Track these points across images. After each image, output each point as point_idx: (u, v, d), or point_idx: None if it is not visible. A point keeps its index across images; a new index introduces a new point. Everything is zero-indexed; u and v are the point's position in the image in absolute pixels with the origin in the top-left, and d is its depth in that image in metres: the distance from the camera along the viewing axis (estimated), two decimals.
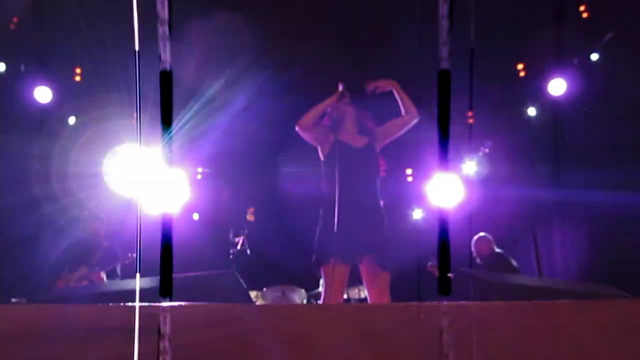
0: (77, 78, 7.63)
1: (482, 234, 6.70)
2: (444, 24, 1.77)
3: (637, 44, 8.04)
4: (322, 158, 4.28)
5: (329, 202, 3.92)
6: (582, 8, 8.30)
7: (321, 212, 4.09)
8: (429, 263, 6.47)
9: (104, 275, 5.84)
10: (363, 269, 4.00)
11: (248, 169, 8.68)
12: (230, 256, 7.02)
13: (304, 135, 4.32)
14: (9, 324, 1.61)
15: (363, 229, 3.89)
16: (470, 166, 8.62)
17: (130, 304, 1.60)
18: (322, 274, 4.03)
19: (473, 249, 6.57)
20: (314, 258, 3.99)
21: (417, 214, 8.69)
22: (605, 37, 7.89)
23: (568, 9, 8.35)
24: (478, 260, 6.57)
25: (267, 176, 8.90)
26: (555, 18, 8.26)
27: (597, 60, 7.93)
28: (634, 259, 6.03)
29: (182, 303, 1.53)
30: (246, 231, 7.28)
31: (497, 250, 6.61)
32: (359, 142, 4.26)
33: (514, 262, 6.42)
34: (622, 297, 2.45)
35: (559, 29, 8.48)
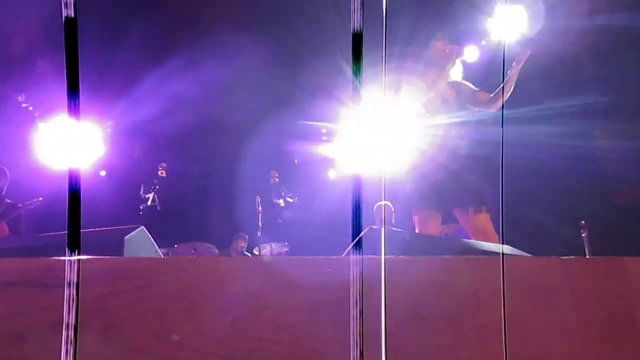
0: None
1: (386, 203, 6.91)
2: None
3: None
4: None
5: None
6: None
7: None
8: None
9: (5, 227, 5.58)
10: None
11: (162, 123, 8.47)
12: (141, 212, 6.88)
13: None
14: None
15: None
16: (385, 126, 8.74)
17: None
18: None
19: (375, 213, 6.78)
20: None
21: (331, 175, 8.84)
22: None
23: None
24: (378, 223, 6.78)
25: (182, 131, 8.73)
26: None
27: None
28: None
29: (88, 256, 1.49)
30: (157, 187, 7.14)
31: None
32: None
33: None
34: (522, 256, 2.59)
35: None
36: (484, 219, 3.92)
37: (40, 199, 5.92)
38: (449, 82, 4.07)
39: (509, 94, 3.98)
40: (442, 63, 3.98)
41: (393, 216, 6.80)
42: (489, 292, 1.52)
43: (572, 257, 1.57)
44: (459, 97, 4.04)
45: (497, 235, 3.87)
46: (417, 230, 4.06)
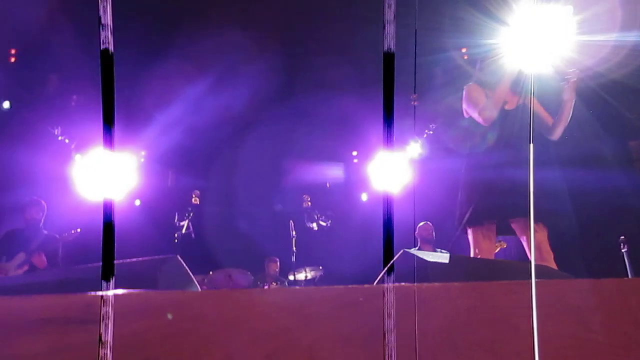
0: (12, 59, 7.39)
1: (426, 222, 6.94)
2: (390, 2, 1.77)
3: None
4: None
5: None
6: None
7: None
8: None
9: (44, 258, 5.68)
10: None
11: (192, 151, 8.58)
12: (176, 240, 6.94)
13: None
14: None
15: None
16: (415, 148, 8.76)
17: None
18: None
19: (417, 234, 6.79)
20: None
21: (364, 197, 8.84)
22: None
23: None
24: (419, 242, 6.79)
25: (212, 159, 8.83)
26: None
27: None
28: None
29: (124, 290, 1.51)
30: (192, 214, 7.20)
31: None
32: None
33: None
34: (554, 275, 2.55)
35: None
36: (540, 234, 3.81)
37: (79, 230, 6.03)
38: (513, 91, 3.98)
39: (568, 121, 3.91)
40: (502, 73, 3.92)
41: (434, 234, 6.78)
42: (524, 317, 1.50)
43: (606, 278, 1.54)
44: (525, 108, 3.96)
45: (551, 254, 3.78)
46: (471, 244, 3.98)
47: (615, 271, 6.07)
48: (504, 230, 3.96)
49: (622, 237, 6.19)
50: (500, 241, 5.35)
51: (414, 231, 6.70)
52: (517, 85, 3.94)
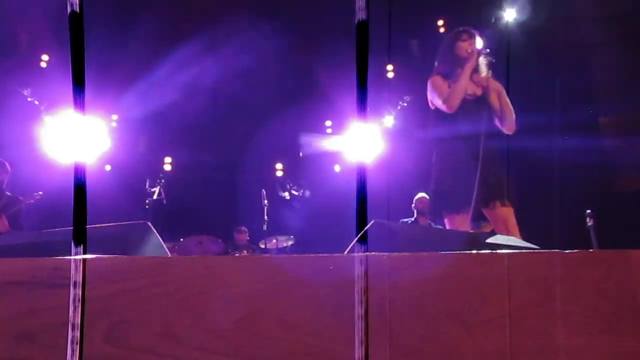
0: None
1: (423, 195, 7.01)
2: None
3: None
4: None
5: None
6: None
7: None
8: None
9: (5, 221, 5.60)
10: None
11: (165, 118, 8.48)
12: (147, 206, 6.89)
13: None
14: None
15: None
16: (389, 119, 8.78)
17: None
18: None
19: (414, 206, 6.90)
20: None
21: (337, 167, 8.86)
22: None
23: None
24: (415, 214, 6.88)
25: (187, 124, 8.74)
26: None
27: (515, 19, 8.15)
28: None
29: (94, 255, 1.50)
30: (163, 181, 7.14)
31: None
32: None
33: None
34: (523, 247, 2.60)
35: None
36: (506, 212, 3.95)
37: (40, 193, 5.93)
38: (479, 79, 4.10)
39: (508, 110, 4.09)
40: (464, 62, 4.03)
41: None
42: (493, 287, 1.52)
43: (575, 250, 1.57)
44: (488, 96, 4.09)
45: (517, 228, 3.90)
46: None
47: (581, 244, 6.22)
48: (479, 216, 4.06)
49: (588, 211, 6.33)
50: (484, 224, 5.45)
51: (387, 201, 6.74)
52: (477, 74, 4.07)
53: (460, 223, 3.96)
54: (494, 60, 4.05)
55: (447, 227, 4.07)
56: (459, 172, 3.97)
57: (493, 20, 8.18)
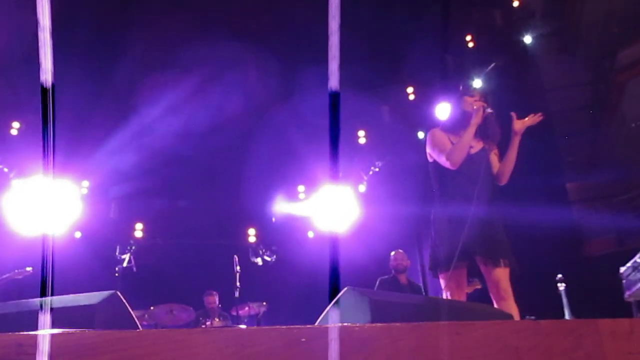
0: None
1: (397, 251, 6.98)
2: (334, 39, 1.80)
3: (516, 75, 8.64)
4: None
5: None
6: (468, 38, 8.84)
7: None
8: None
9: None
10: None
11: (138, 183, 8.44)
12: (117, 274, 6.75)
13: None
14: None
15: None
16: (361, 185, 8.86)
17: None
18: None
19: (393, 262, 6.84)
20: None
21: (310, 234, 8.84)
22: (489, 67, 8.44)
23: (455, 38, 8.85)
24: (393, 272, 6.82)
25: (157, 191, 8.70)
26: (442, 46, 8.73)
27: (480, 87, 8.44)
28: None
29: (59, 330, 1.46)
30: (133, 248, 7.04)
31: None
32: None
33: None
34: (498, 314, 2.59)
35: (446, 56, 8.97)
36: (502, 274, 3.89)
37: (30, 269, 5.71)
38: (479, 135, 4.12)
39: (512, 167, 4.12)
40: (470, 118, 4.05)
41: (406, 262, 6.81)
42: (464, 357, 1.52)
43: (545, 320, 1.58)
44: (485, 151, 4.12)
45: (510, 292, 3.83)
46: (443, 288, 4.01)
47: (553, 308, 6.23)
48: (474, 272, 4.03)
49: (559, 275, 6.37)
50: (474, 281, 5.42)
51: (361, 267, 6.74)
52: (482, 131, 4.10)
53: (455, 281, 3.89)
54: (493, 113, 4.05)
55: (443, 285, 4.00)
56: (457, 229, 3.91)
57: (460, 87, 8.47)
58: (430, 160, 4.23)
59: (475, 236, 3.79)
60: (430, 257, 4.14)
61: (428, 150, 4.23)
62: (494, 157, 4.19)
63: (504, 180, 4.14)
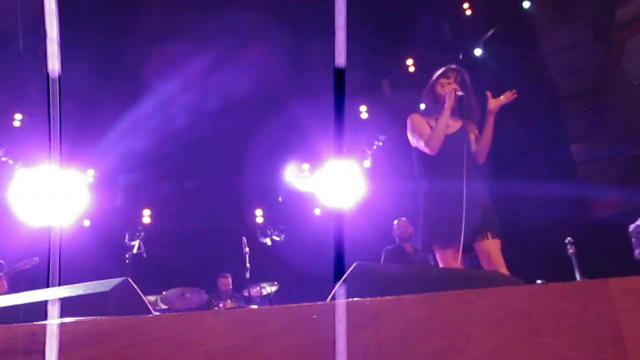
0: None
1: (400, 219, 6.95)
2: (340, 19, 1.77)
3: (515, 41, 8.56)
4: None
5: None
6: (465, 5, 8.75)
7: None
8: None
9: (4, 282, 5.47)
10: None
11: (143, 170, 8.46)
12: (127, 261, 6.79)
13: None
14: None
15: None
16: (366, 160, 8.85)
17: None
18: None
19: (397, 231, 6.83)
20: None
21: (317, 211, 8.85)
22: (487, 33, 8.38)
23: (452, 7, 8.76)
24: (397, 241, 6.81)
25: (163, 177, 8.72)
26: (440, 14, 8.65)
27: (480, 55, 8.38)
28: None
29: (70, 318, 1.47)
30: (142, 234, 7.06)
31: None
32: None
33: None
34: (506, 282, 2.59)
35: (444, 25, 8.89)
36: (490, 245, 3.92)
37: (36, 258, 5.77)
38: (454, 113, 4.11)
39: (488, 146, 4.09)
40: (444, 100, 4.05)
41: (409, 230, 6.79)
42: (477, 325, 1.52)
43: (554, 283, 1.58)
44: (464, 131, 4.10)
45: (501, 261, 3.88)
46: (439, 263, 4.04)
47: (564, 272, 6.25)
48: (469, 248, 4.05)
49: (569, 238, 6.37)
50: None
51: (367, 242, 6.74)
52: (457, 110, 4.10)
53: (451, 256, 3.93)
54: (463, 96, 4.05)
55: (439, 260, 4.03)
56: (446, 207, 3.95)
57: (460, 56, 8.42)
58: (412, 145, 4.25)
59: (463, 213, 3.82)
60: (422, 237, 4.17)
61: (409, 135, 4.25)
62: (472, 136, 4.18)
63: (481, 159, 4.12)
